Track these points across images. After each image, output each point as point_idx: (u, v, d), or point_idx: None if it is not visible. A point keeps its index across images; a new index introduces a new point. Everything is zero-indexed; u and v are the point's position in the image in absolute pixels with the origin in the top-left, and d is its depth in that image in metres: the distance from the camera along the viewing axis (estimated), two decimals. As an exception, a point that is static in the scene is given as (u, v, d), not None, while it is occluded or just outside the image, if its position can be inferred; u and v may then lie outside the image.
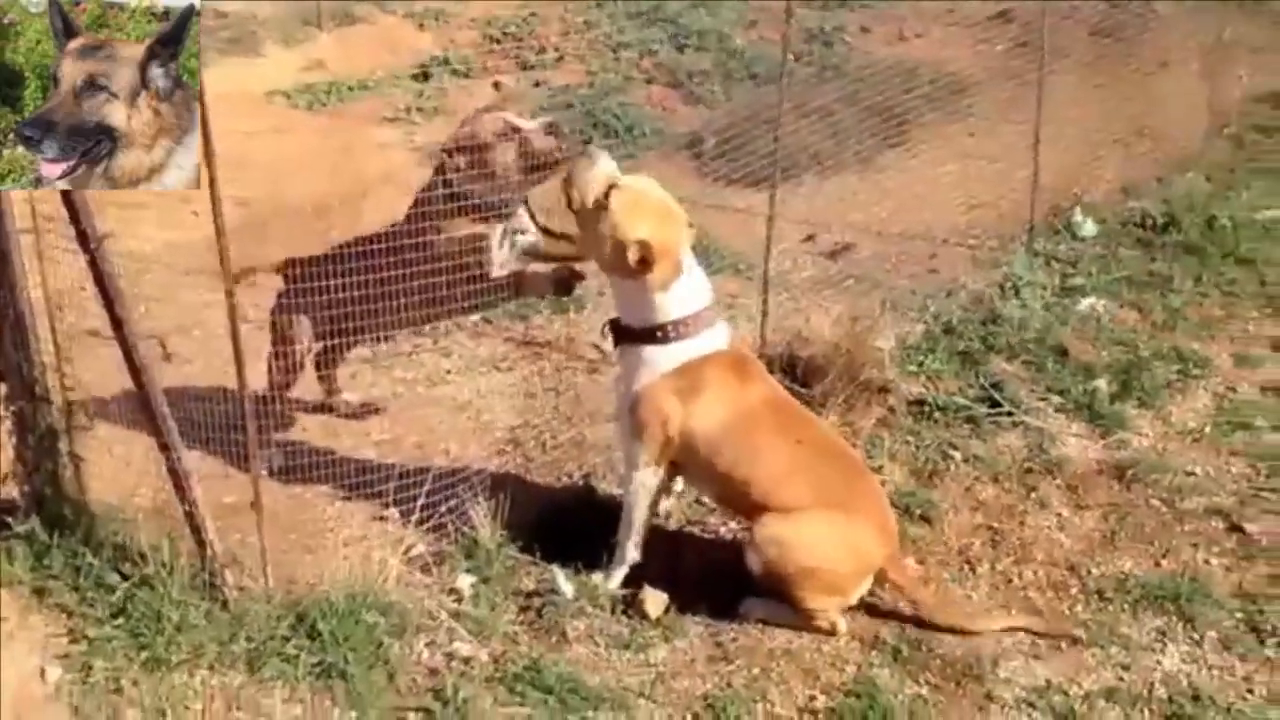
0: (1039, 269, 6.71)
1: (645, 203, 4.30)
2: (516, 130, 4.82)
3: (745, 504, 4.39)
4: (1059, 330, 6.10)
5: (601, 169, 4.31)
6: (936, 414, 5.54)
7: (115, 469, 4.64)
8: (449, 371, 6.06)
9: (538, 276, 4.95)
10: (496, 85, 9.76)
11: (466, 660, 4.24)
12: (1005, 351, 5.95)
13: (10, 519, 4.48)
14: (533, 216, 4.68)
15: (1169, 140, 8.11)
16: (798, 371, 5.61)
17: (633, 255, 4.21)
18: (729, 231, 7.32)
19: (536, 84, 9.70)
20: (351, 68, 10.02)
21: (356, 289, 4.70)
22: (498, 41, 10.38)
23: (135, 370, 4.19)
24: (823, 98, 8.27)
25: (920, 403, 5.61)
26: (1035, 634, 4.34)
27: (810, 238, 7.41)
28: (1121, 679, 4.19)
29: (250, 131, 8.83)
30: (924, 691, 4.17)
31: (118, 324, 4.11)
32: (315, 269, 4.96)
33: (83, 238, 4.01)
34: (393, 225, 5.09)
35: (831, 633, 4.34)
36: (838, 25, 10.37)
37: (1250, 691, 4.13)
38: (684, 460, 4.45)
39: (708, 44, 9.93)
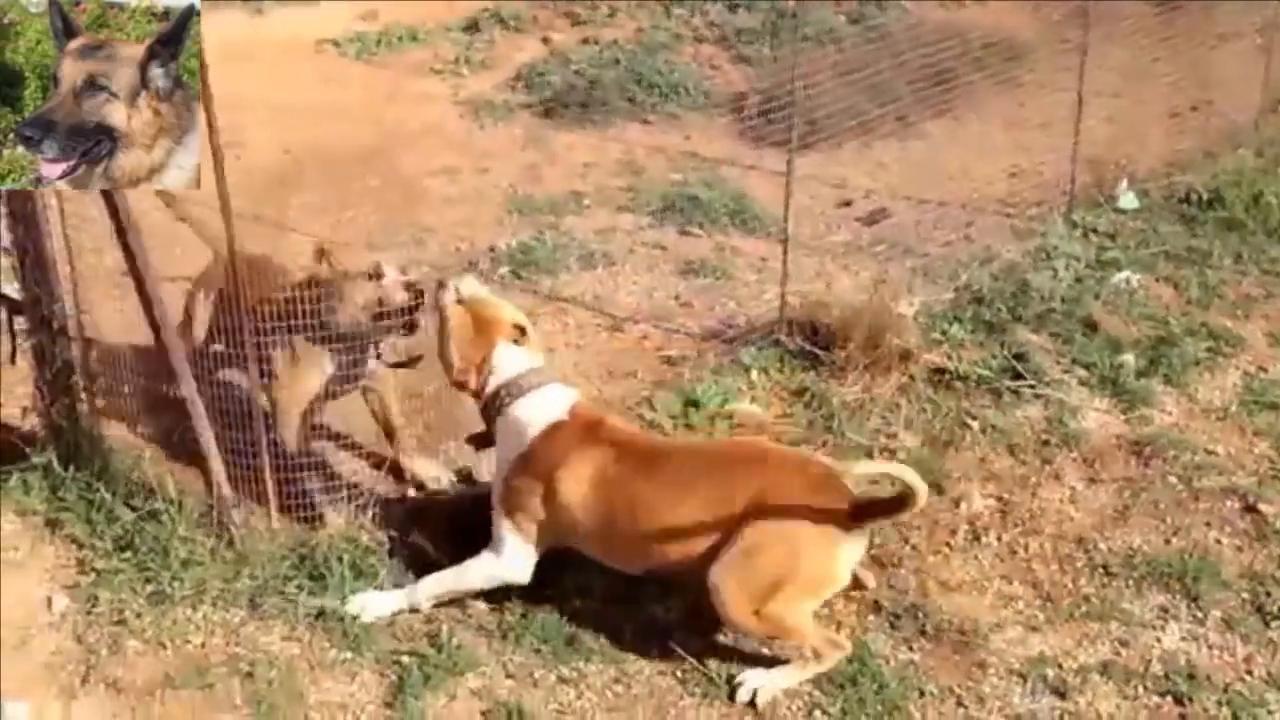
0: (1076, 240, 6.61)
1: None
2: (379, 275, 4.65)
3: (663, 559, 4.13)
4: (1090, 303, 6.01)
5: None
6: (957, 383, 5.49)
7: (131, 405, 4.73)
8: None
9: None
10: (546, 40, 9.75)
11: (464, 607, 4.29)
12: (1033, 322, 5.87)
13: (29, 451, 4.59)
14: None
15: (1222, 115, 7.94)
16: (818, 336, 5.60)
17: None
18: (766, 194, 7.30)
19: (586, 40, 9.67)
20: (404, 18, 10.04)
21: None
22: (553, -6, 10.34)
23: (151, 315, 4.25)
24: (871, 61, 8.16)
25: (941, 371, 5.55)
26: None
27: (847, 203, 7.36)
28: (1119, 654, 4.16)
29: (298, 79, 8.93)
30: (916, 658, 4.16)
31: (136, 272, 4.17)
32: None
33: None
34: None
35: (842, 649, 4.09)
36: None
37: (1250, 673, 4.08)
38: (568, 536, 4.25)
39: (759, 3, 9.83)
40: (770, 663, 4.09)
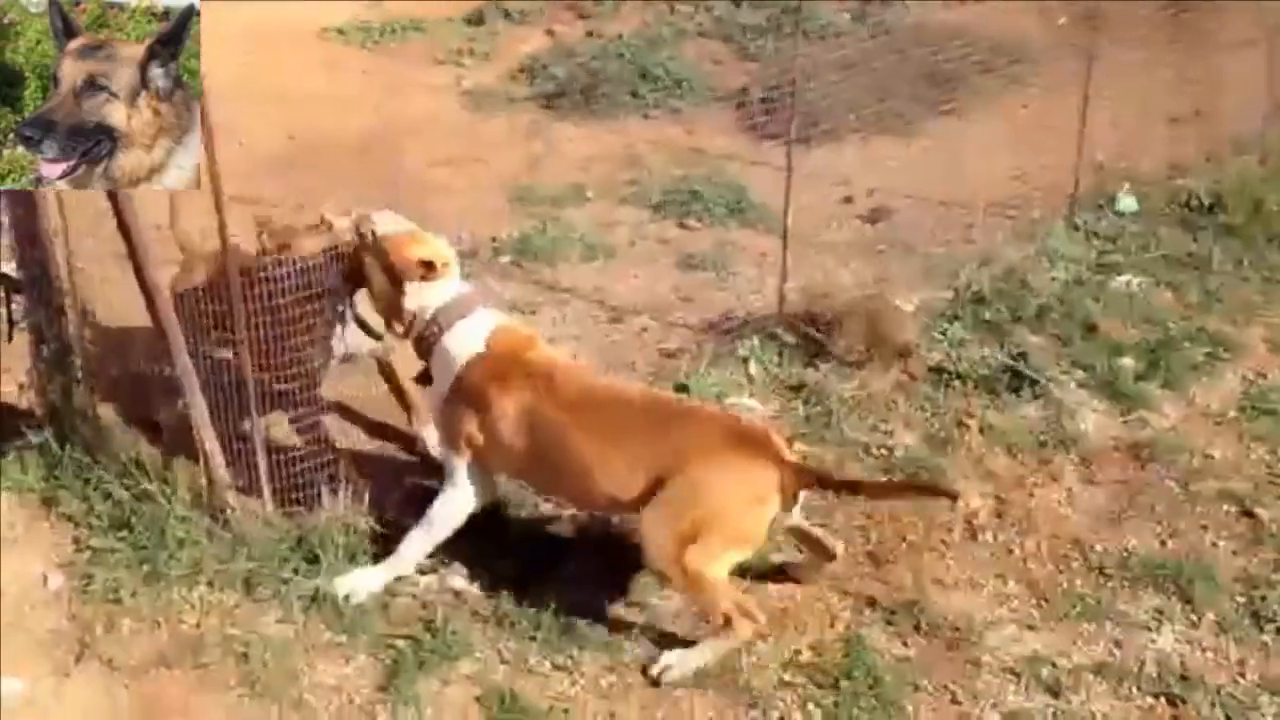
0: (1077, 243, 6.62)
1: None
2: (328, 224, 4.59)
3: (592, 500, 4.25)
4: (1090, 306, 6.01)
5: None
6: (955, 382, 5.49)
7: (127, 386, 4.72)
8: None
9: None
10: (549, 32, 9.73)
11: (458, 594, 4.29)
12: (1033, 324, 5.87)
13: (26, 429, 4.58)
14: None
15: (1226, 122, 7.91)
16: (817, 332, 5.60)
17: None
18: (767, 189, 7.27)
19: (590, 33, 9.66)
20: (408, 7, 10.02)
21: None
22: (558, -13, 10.31)
23: (149, 295, 4.23)
24: (874, 59, 8.15)
25: (940, 370, 5.55)
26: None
27: (848, 199, 7.35)
28: (1113, 655, 4.16)
29: (301, 67, 8.91)
30: (912, 654, 4.16)
31: (133, 253, 4.15)
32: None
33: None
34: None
35: (755, 620, 4.06)
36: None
37: (1243, 675, 4.09)
38: (505, 468, 4.35)
39: (764, -1, 9.81)
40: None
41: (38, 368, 4.59)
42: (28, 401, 4.76)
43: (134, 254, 4.14)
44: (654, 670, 4.04)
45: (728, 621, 4.02)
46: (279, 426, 4.71)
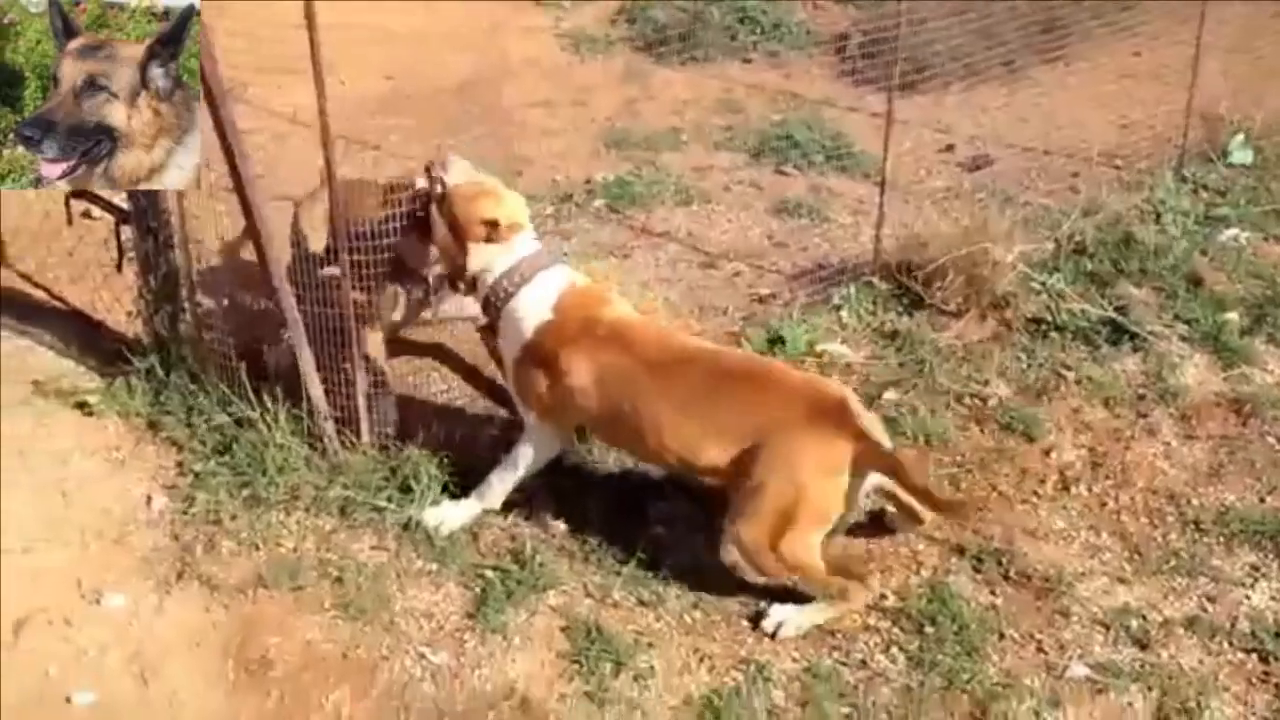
0: (1185, 195, 6.46)
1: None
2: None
3: (662, 457, 4.20)
4: (1196, 259, 5.88)
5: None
6: (1054, 333, 5.41)
7: (231, 315, 4.82)
8: (567, 255, 6.11)
9: None
10: (649, -26, 9.67)
11: (546, 528, 4.35)
12: (1136, 276, 5.75)
13: (132, 355, 4.71)
14: None
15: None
16: (913, 280, 5.54)
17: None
18: (865, 136, 7.23)
19: (689, -24, 9.59)
20: (509, -51, 10.02)
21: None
22: (660, -71, 10.24)
23: (255, 231, 4.30)
24: (980, 3, 7.99)
25: (1039, 320, 5.48)
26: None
27: (949, 148, 7.24)
28: (1205, 610, 4.09)
29: (401, 8, 8.95)
30: (999, 602, 4.13)
31: (240, 189, 4.21)
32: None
33: (210, 97, 4.09)
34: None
35: (870, 590, 4.08)
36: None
37: (1339, 634, 4.00)
38: (577, 421, 4.36)
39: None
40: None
41: (145, 297, 4.71)
42: (135, 330, 4.89)
43: (240, 186, 4.20)
44: (766, 625, 4.02)
45: (843, 593, 4.02)
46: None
